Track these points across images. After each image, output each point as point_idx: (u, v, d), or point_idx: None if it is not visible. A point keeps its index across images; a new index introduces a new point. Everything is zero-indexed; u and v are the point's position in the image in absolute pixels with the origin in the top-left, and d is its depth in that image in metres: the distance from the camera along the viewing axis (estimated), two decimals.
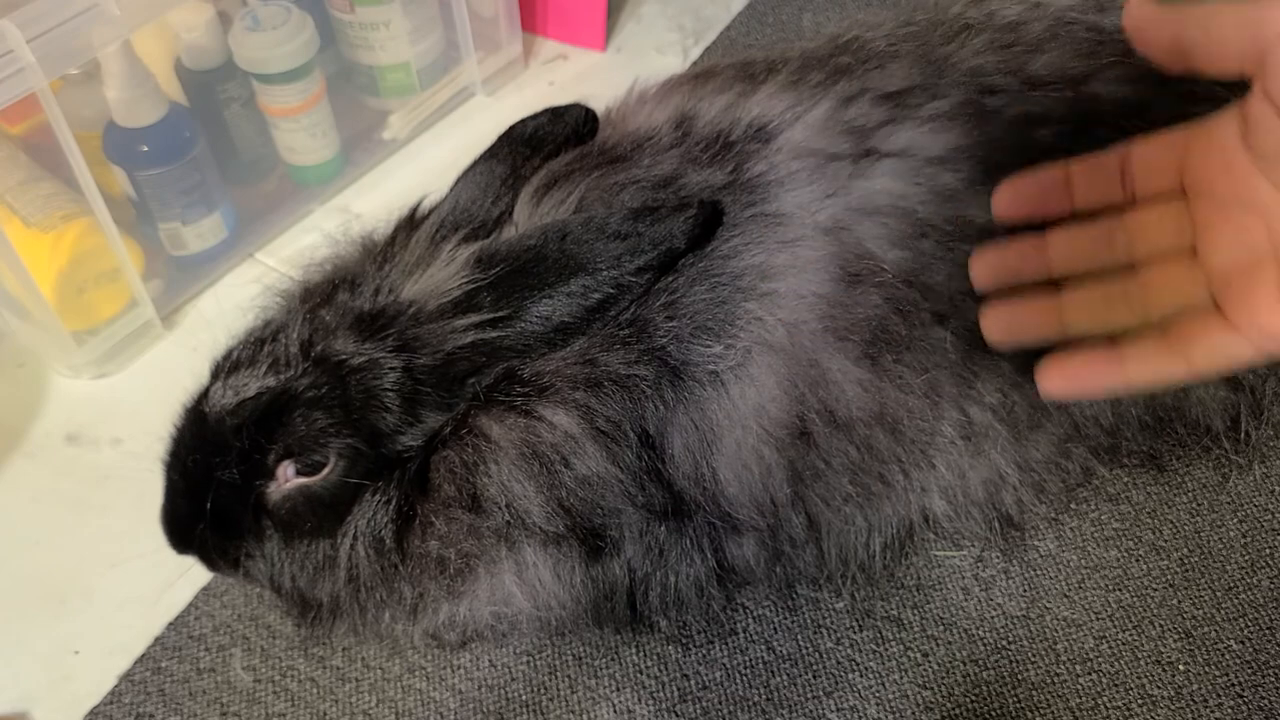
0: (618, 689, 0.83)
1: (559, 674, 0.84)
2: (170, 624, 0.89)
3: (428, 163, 1.30)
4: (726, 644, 0.85)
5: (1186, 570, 0.86)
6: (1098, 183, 0.66)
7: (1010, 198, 0.68)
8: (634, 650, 0.85)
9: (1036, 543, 0.89)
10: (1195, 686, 0.80)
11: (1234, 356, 0.58)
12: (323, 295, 0.76)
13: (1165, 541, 0.88)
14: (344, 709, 0.84)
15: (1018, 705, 0.80)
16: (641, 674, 0.84)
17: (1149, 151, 0.65)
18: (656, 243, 0.71)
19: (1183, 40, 0.61)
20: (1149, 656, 0.82)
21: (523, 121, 0.85)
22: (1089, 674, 0.81)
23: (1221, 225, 0.59)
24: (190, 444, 0.74)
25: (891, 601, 0.86)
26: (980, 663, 0.83)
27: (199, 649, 0.88)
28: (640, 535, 0.75)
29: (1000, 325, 0.68)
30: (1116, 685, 0.81)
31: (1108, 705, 0.80)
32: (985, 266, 0.69)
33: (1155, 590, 0.85)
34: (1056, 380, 0.64)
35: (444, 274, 0.74)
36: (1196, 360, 0.59)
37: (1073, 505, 0.90)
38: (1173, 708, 0.79)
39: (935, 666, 0.83)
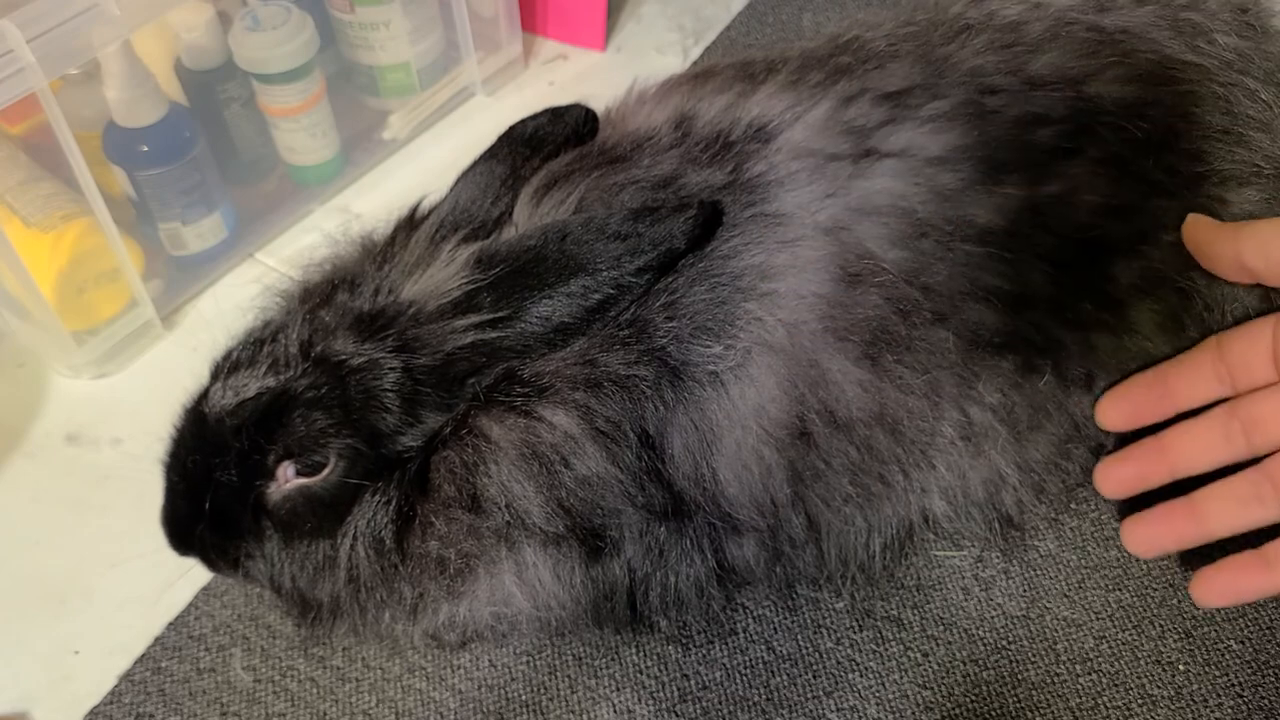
0: (618, 689, 0.83)
1: (559, 674, 0.84)
2: (170, 624, 0.89)
3: (428, 163, 1.30)
4: (726, 644, 0.85)
5: (1187, 570, 0.86)
6: (1198, 382, 0.70)
7: (1116, 412, 0.72)
8: (634, 650, 0.85)
9: (1036, 543, 0.89)
10: (1195, 686, 0.80)
11: None
12: (322, 295, 0.76)
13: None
14: (344, 709, 0.84)
15: (1018, 705, 0.80)
16: (641, 674, 0.84)
17: (1241, 345, 0.68)
18: (656, 243, 0.71)
19: (1240, 257, 0.66)
20: (1149, 656, 0.82)
21: (523, 122, 0.85)
22: (1089, 674, 0.81)
23: None
24: (190, 445, 0.74)
25: (891, 601, 0.86)
26: (980, 663, 0.83)
27: (199, 649, 0.88)
28: (640, 535, 0.75)
29: (1143, 541, 0.72)
30: (1116, 685, 0.81)
31: (1108, 705, 0.80)
32: (1113, 481, 0.72)
33: (1155, 590, 0.85)
34: (1211, 596, 0.69)
35: (444, 274, 0.74)
36: None
37: (1073, 505, 0.90)
38: (1173, 708, 0.79)
39: (935, 666, 0.83)
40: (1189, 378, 0.70)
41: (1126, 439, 0.76)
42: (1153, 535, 0.71)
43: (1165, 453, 0.71)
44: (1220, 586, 0.68)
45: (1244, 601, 0.75)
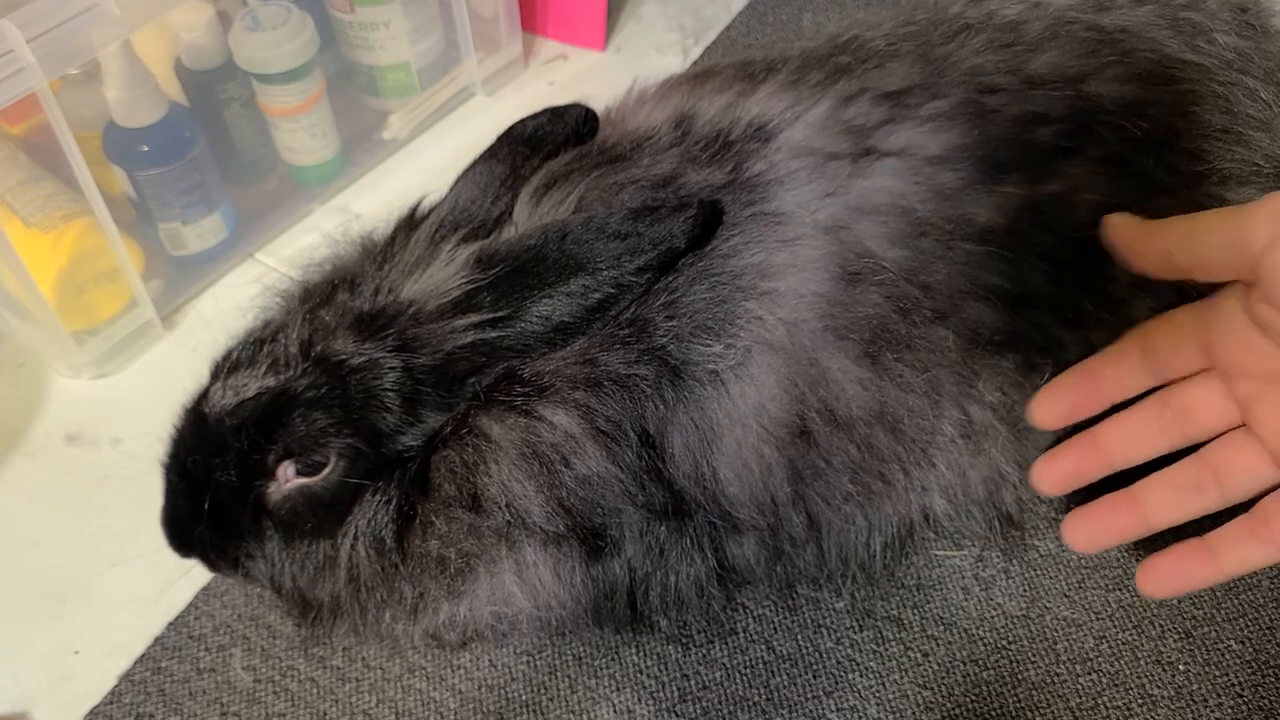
0: (618, 689, 0.83)
1: (559, 674, 0.84)
2: (170, 624, 0.89)
3: (428, 163, 1.30)
4: (726, 644, 0.85)
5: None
6: (1125, 373, 0.68)
7: (1047, 410, 0.70)
8: (634, 650, 0.85)
9: (1036, 543, 0.89)
10: (1195, 686, 0.80)
11: None
12: (322, 295, 0.76)
13: (1165, 541, 0.88)
14: (344, 709, 0.84)
15: (1018, 705, 0.80)
16: (641, 674, 0.84)
17: (1166, 335, 0.67)
18: (656, 242, 0.71)
19: (1169, 254, 0.64)
20: (1149, 656, 0.82)
21: (522, 121, 0.85)
22: (1089, 674, 0.81)
23: (1270, 402, 0.61)
24: (190, 445, 0.74)
25: (891, 601, 0.86)
26: (980, 663, 0.83)
27: (199, 649, 0.88)
28: (640, 535, 0.75)
29: (1084, 537, 0.69)
30: (1116, 685, 0.81)
31: (1108, 705, 0.80)
32: (1050, 478, 0.70)
33: None
34: (1156, 585, 0.66)
35: (444, 274, 0.74)
36: None
37: (1073, 505, 0.90)
38: (1173, 708, 0.79)
39: (935, 666, 0.83)
40: (1117, 370, 0.69)
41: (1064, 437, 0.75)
42: (1094, 530, 0.69)
43: (1100, 446, 0.69)
44: (1164, 575, 0.66)
45: (1190, 590, 0.73)
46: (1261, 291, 0.58)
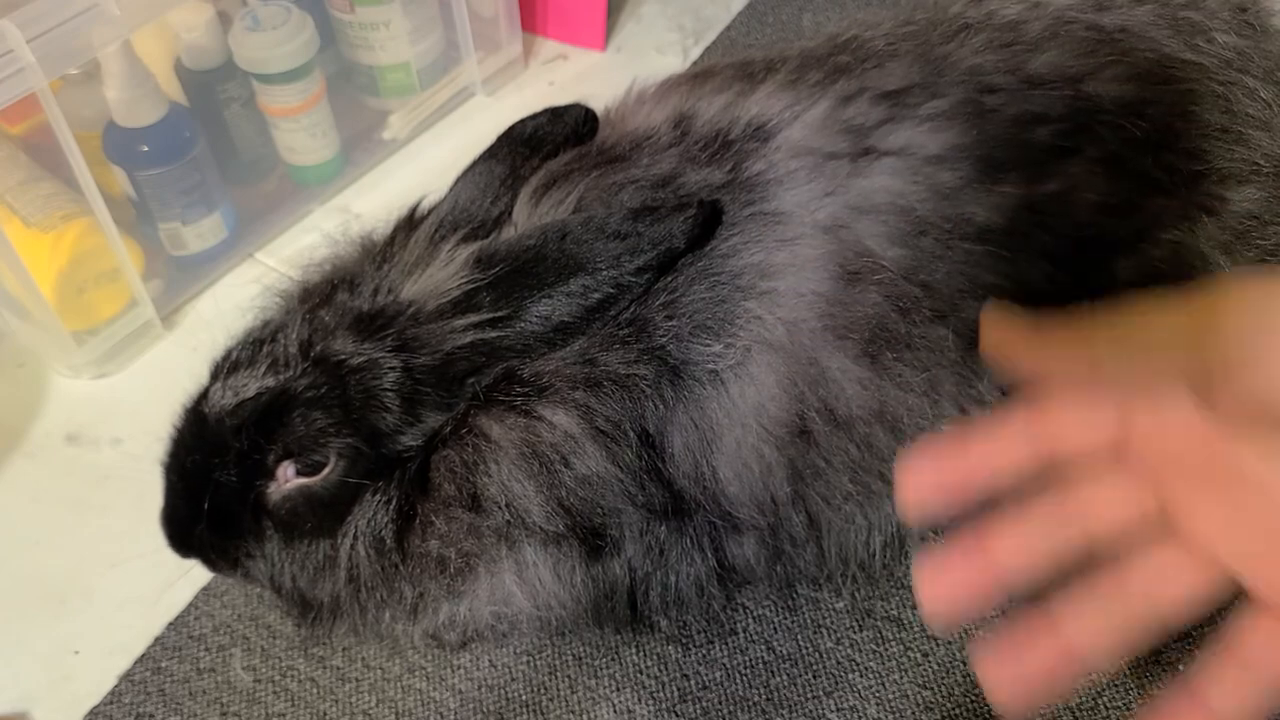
0: (618, 689, 0.83)
1: (559, 674, 0.84)
2: (170, 624, 0.90)
3: (428, 163, 1.30)
4: (726, 644, 0.85)
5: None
6: (1005, 453, 0.53)
7: (915, 503, 0.53)
8: (634, 650, 0.85)
9: None
10: None
11: None
12: (322, 295, 0.76)
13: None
14: (344, 709, 0.84)
15: None
16: (641, 674, 0.84)
17: (1074, 418, 0.52)
18: (656, 242, 0.71)
19: (1045, 372, 0.51)
20: (1149, 656, 0.82)
21: (522, 121, 0.85)
22: (1089, 674, 0.81)
23: (1213, 504, 0.48)
24: (189, 445, 0.74)
25: (891, 601, 0.86)
26: None
27: (199, 649, 0.88)
28: (640, 535, 0.75)
29: (1009, 684, 0.51)
30: (1116, 685, 0.81)
31: (1108, 705, 0.80)
32: (935, 596, 0.52)
33: None
34: (1001, 683, 0.50)
35: (443, 274, 0.74)
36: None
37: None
38: None
39: (935, 666, 0.83)
40: (999, 449, 0.53)
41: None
42: (1022, 678, 0.51)
43: (990, 560, 0.52)
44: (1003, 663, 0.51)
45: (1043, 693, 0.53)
46: (1239, 389, 0.43)
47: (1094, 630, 0.51)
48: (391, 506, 0.73)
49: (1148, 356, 0.48)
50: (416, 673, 0.85)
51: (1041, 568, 0.52)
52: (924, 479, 0.53)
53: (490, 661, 0.85)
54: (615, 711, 0.82)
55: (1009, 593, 0.52)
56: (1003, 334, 0.53)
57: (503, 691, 0.84)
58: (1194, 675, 0.50)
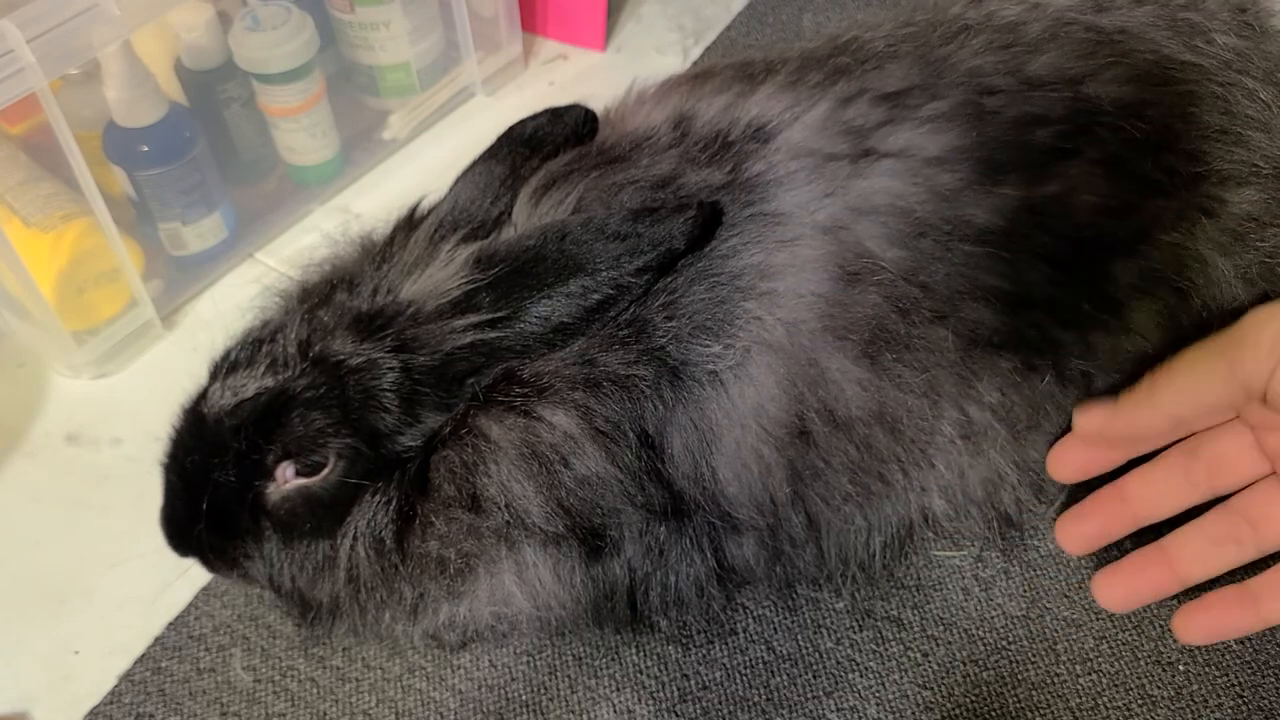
0: (618, 689, 0.83)
1: (559, 674, 0.84)
2: (170, 624, 0.90)
3: (428, 163, 1.30)
4: (726, 644, 0.85)
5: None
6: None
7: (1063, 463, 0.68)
8: (634, 650, 0.85)
9: (1036, 543, 0.89)
10: (1195, 686, 0.80)
11: None
12: (321, 295, 0.76)
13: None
14: (344, 709, 0.84)
15: (1018, 705, 0.80)
16: (641, 674, 0.84)
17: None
18: (656, 243, 0.71)
19: (1155, 425, 0.63)
20: (1149, 656, 0.82)
21: (522, 122, 0.85)
22: (1089, 674, 0.81)
23: None
24: (189, 445, 0.74)
25: (891, 601, 0.86)
26: (980, 663, 0.83)
27: (199, 649, 0.88)
28: (640, 535, 0.75)
29: (1118, 597, 0.68)
30: (1116, 685, 0.81)
31: (1108, 705, 0.80)
32: (1077, 539, 0.69)
33: None
34: (1195, 634, 0.65)
35: (443, 274, 0.74)
36: None
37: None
38: (1173, 708, 0.79)
39: (935, 666, 0.83)
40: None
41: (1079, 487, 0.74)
42: (1129, 590, 0.68)
43: (1127, 501, 0.68)
44: (1204, 625, 0.65)
45: (1230, 638, 0.71)
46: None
47: (1201, 556, 0.63)
48: (391, 507, 0.73)
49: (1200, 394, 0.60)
50: (416, 673, 0.85)
51: (1170, 511, 0.65)
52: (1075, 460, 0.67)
53: (490, 661, 0.85)
54: (615, 711, 0.82)
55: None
56: (1092, 421, 0.65)
57: (503, 691, 0.84)
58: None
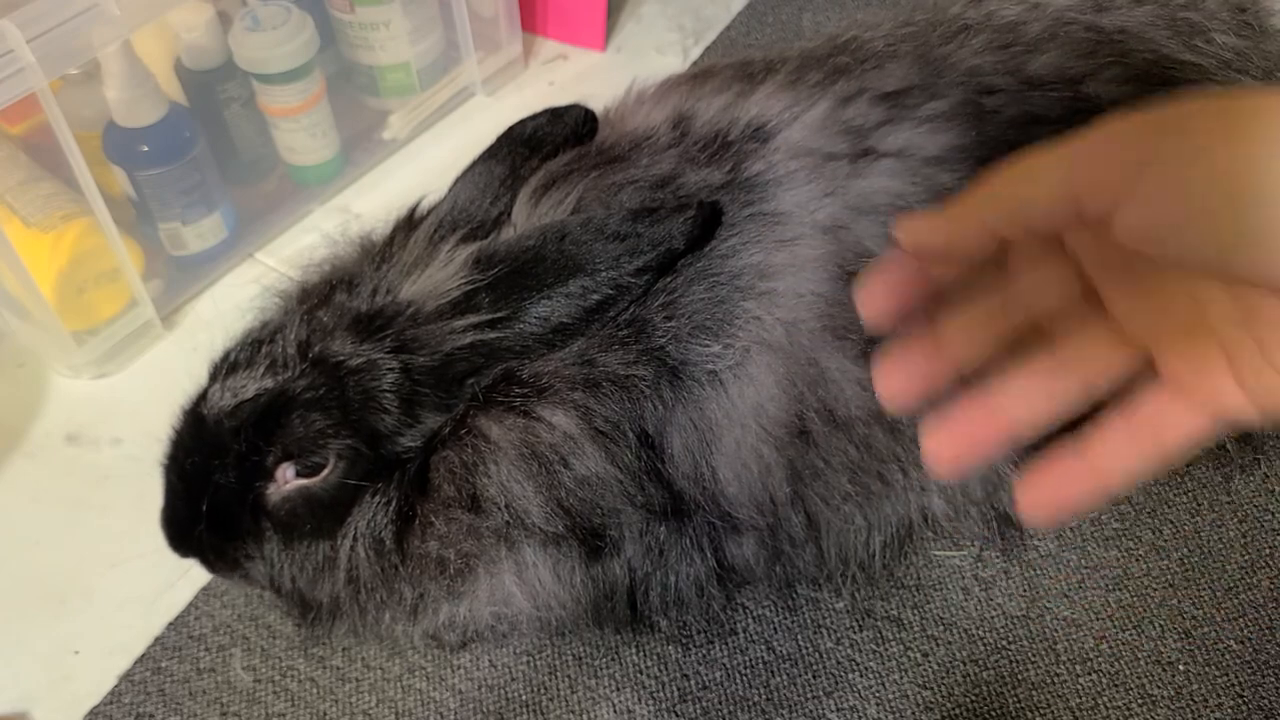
0: (618, 689, 0.83)
1: (559, 674, 0.84)
2: (170, 624, 0.90)
3: (428, 163, 1.30)
4: (726, 644, 0.85)
5: (1186, 570, 0.86)
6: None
7: (873, 307, 0.58)
8: (634, 650, 0.85)
9: (1036, 543, 0.89)
10: (1195, 686, 0.80)
11: (1207, 433, 0.51)
12: (320, 296, 0.76)
13: (1165, 541, 0.88)
14: (344, 709, 0.84)
15: (1018, 705, 0.80)
16: (641, 674, 0.84)
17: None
18: (655, 243, 0.71)
19: (986, 228, 0.54)
20: (1149, 656, 0.82)
21: (522, 122, 0.85)
22: (1089, 674, 0.81)
23: (1136, 294, 0.53)
24: (189, 446, 0.74)
25: (891, 601, 0.86)
26: (980, 663, 0.83)
27: (199, 649, 0.88)
28: (640, 535, 0.75)
29: (946, 459, 0.57)
30: (1116, 685, 0.81)
31: (1108, 705, 0.80)
32: (894, 394, 0.58)
33: (1155, 590, 0.85)
34: (1038, 510, 0.56)
35: (442, 274, 0.74)
36: (1169, 444, 0.52)
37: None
38: (1173, 708, 0.79)
39: (935, 666, 0.83)
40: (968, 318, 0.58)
41: None
42: (954, 445, 0.56)
43: (940, 344, 0.58)
44: (1044, 496, 0.55)
45: (1077, 514, 0.62)
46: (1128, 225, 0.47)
47: (1026, 401, 0.56)
48: (391, 507, 0.73)
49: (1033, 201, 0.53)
50: (416, 673, 0.85)
51: (988, 351, 0.57)
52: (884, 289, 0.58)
53: (490, 661, 0.85)
54: (615, 711, 0.82)
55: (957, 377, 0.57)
56: (913, 229, 0.57)
57: (503, 691, 0.84)
58: (1085, 438, 0.55)
